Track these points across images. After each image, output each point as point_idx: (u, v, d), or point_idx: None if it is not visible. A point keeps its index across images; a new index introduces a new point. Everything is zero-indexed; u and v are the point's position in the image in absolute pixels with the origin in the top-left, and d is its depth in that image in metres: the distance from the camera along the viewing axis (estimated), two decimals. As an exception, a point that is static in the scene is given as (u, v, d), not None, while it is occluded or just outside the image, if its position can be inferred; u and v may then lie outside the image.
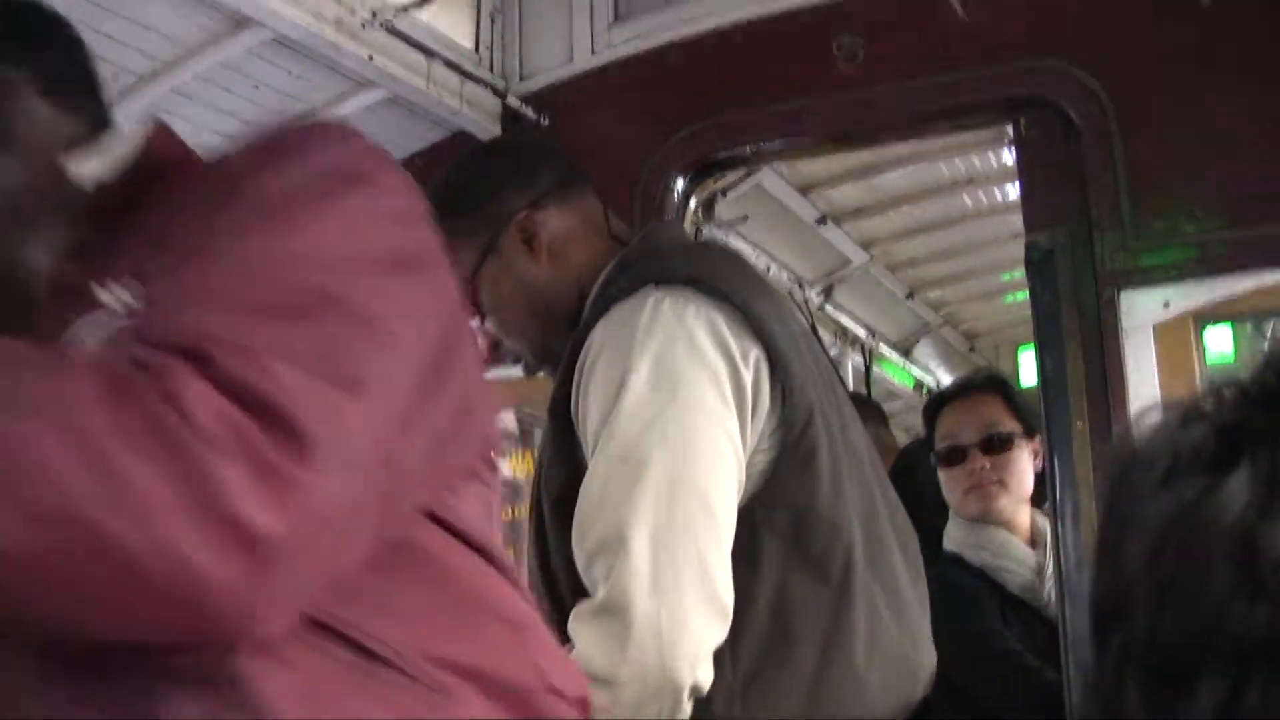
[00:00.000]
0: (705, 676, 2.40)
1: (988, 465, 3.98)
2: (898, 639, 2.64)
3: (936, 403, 4.31)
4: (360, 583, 1.41)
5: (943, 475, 4.08)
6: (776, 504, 2.55)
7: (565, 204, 2.93)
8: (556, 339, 2.84)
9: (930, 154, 6.49)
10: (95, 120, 1.86)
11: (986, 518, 3.97)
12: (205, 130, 4.51)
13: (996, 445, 4.00)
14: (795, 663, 2.51)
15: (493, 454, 1.68)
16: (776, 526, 2.54)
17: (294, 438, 1.22)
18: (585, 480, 2.52)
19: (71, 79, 1.86)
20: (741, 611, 2.47)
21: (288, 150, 1.52)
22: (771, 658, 2.51)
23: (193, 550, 1.15)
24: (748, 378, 2.53)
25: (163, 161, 1.67)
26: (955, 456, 4.03)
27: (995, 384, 4.24)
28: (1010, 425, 4.04)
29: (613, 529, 2.41)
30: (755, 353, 2.55)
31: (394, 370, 1.36)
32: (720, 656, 2.44)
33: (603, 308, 2.65)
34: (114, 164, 1.69)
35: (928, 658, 2.77)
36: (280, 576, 1.21)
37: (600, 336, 2.61)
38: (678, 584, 2.39)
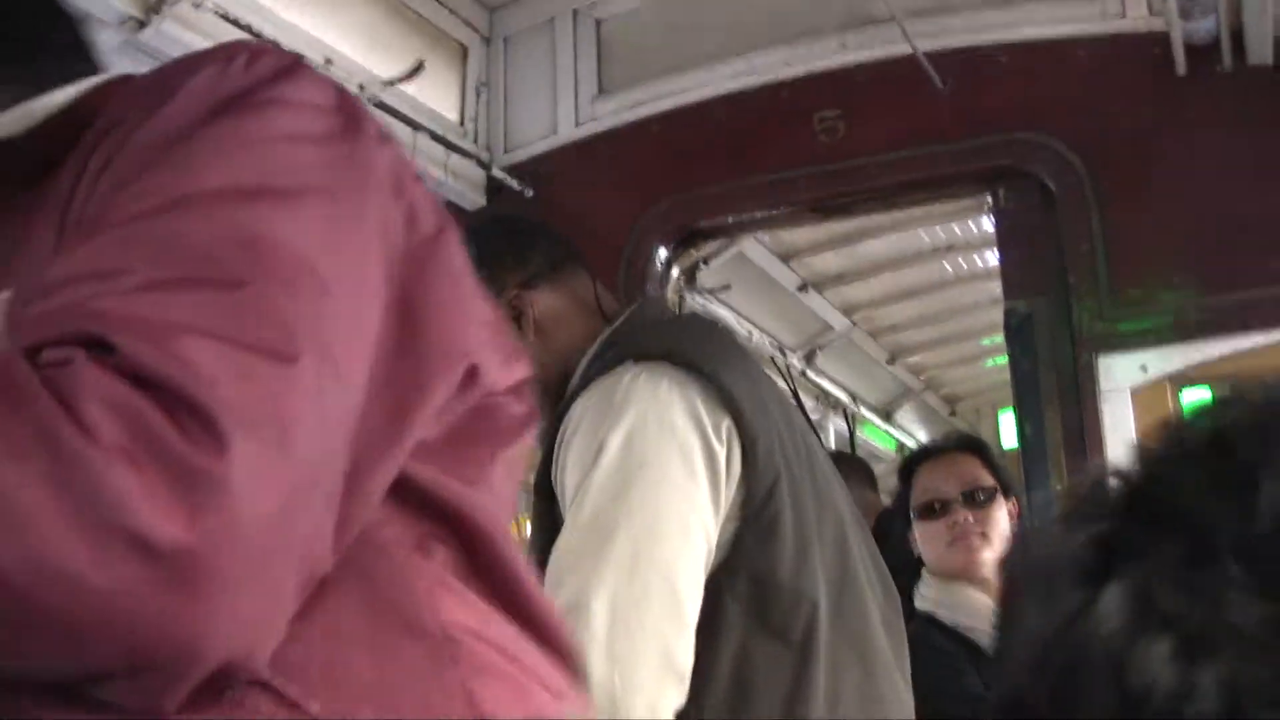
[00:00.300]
0: None
1: (971, 519, 3.99)
2: (867, 694, 2.67)
3: (914, 460, 4.32)
4: None
5: (921, 530, 4.08)
6: (739, 571, 2.58)
7: (556, 283, 2.97)
8: (542, 414, 2.87)
9: (911, 222, 6.55)
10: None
11: (969, 570, 3.96)
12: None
13: (979, 500, 4.00)
14: None
15: (510, 435, 1.43)
16: (738, 593, 2.57)
17: (207, 426, 1.01)
18: (555, 546, 2.54)
19: None
20: (704, 673, 2.50)
21: (172, 87, 1.26)
22: (733, 716, 2.54)
23: (84, 568, 0.95)
24: (720, 450, 2.56)
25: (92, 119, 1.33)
26: (937, 510, 4.04)
27: (973, 444, 4.25)
28: (990, 481, 4.06)
29: (575, 594, 2.44)
30: (726, 423, 2.58)
31: (329, 326, 1.13)
32: (683, 718, 2.47)
33: (585, 384, 2.69)
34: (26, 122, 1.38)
35: (903, 712, 2.80)
36: (206, 594, 0.99)
37: (579, 411, 2.65)
38: (632, 651, 2.40)
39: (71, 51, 1.54)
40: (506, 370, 1.41)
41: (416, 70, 4.33)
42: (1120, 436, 3.60)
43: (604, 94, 4.81)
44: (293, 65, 1.30)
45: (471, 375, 1.32)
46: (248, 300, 1.08)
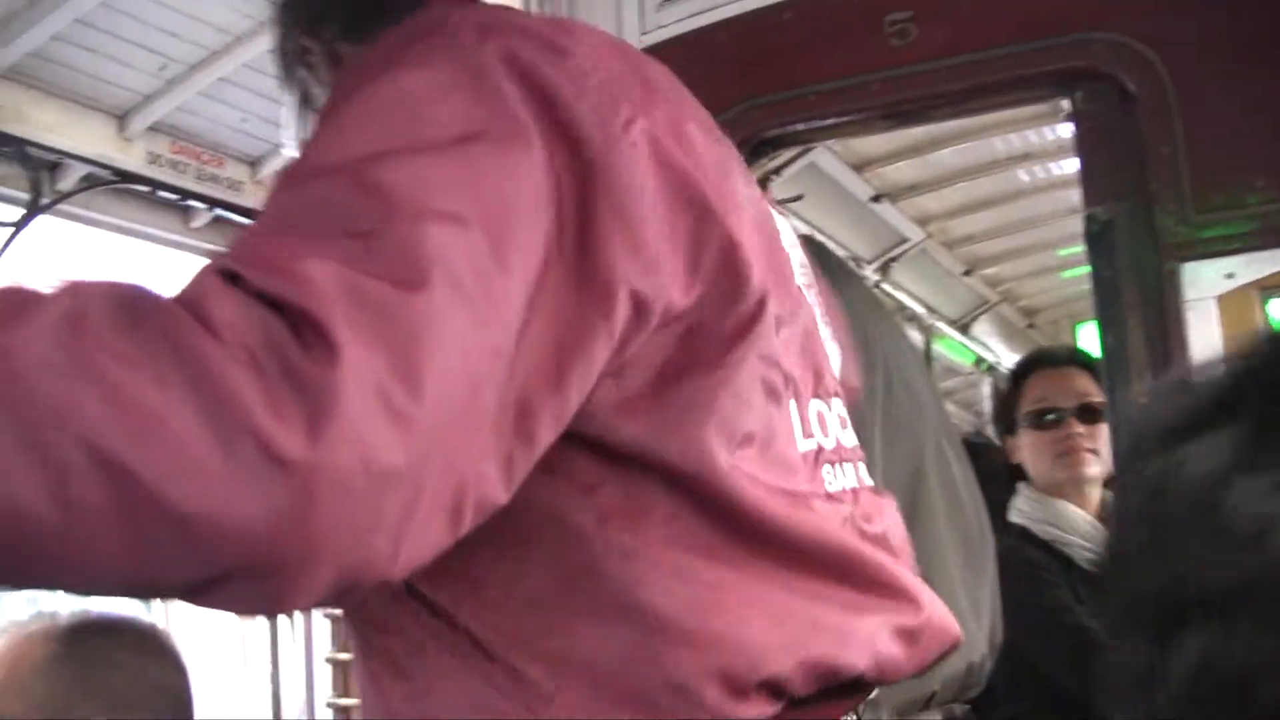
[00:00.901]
0: None
1: (1083, 431, 3.94)
2: None
3: (1026, 367, 4.25)
4: (452, 553, 1.17)
5: (1029, 439, 4.02)
6: None
7: None
8: None
9: (985, 129, 6.45)
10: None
11: (1066, 487, 3.92)
12: (253, 117, 4.53)
13: (1091, 415, 3.96)
14: None
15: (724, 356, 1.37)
16: None
17: (322, 337, 1.05)
18: None
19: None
20: None
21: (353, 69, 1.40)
22: None
23: (211, 462, 1.00)
24: None
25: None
26: (1049, 421, 3.98)
27: (1084, 359, 4.20)
28: (1101, 398, 4.00)
29: None
30: None
31: (463, 260, 1.14)
32: None
33: None
34: None
35: (966, 645, 2.75)
36: (313, 499, 1.02)
37: None
38: None
39: None
40: (689, 286, 1.34)
41: None
42: (1206, 347, 3.50)
43: (668, 1, 4.71)
44: (426, 26, 1.37)
45: (641, 305, 1.28)
46: (374, 238, 1.12)
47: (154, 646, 2.16)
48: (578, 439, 1.29)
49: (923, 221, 7.52)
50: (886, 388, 2.72)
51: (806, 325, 1.56)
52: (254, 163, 4.78)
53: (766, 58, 4.43)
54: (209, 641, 9.83)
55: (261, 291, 1.07)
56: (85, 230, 4.78)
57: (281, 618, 7.52)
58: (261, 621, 8.12)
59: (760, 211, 1.51)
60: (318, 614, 7.57)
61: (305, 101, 1.82)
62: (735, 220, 1.37)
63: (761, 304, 1.38)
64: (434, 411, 1.09)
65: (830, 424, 1.57)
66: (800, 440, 1.49)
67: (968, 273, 8.53)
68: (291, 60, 1.81)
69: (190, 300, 1.06)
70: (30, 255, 4.35)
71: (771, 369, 1.42)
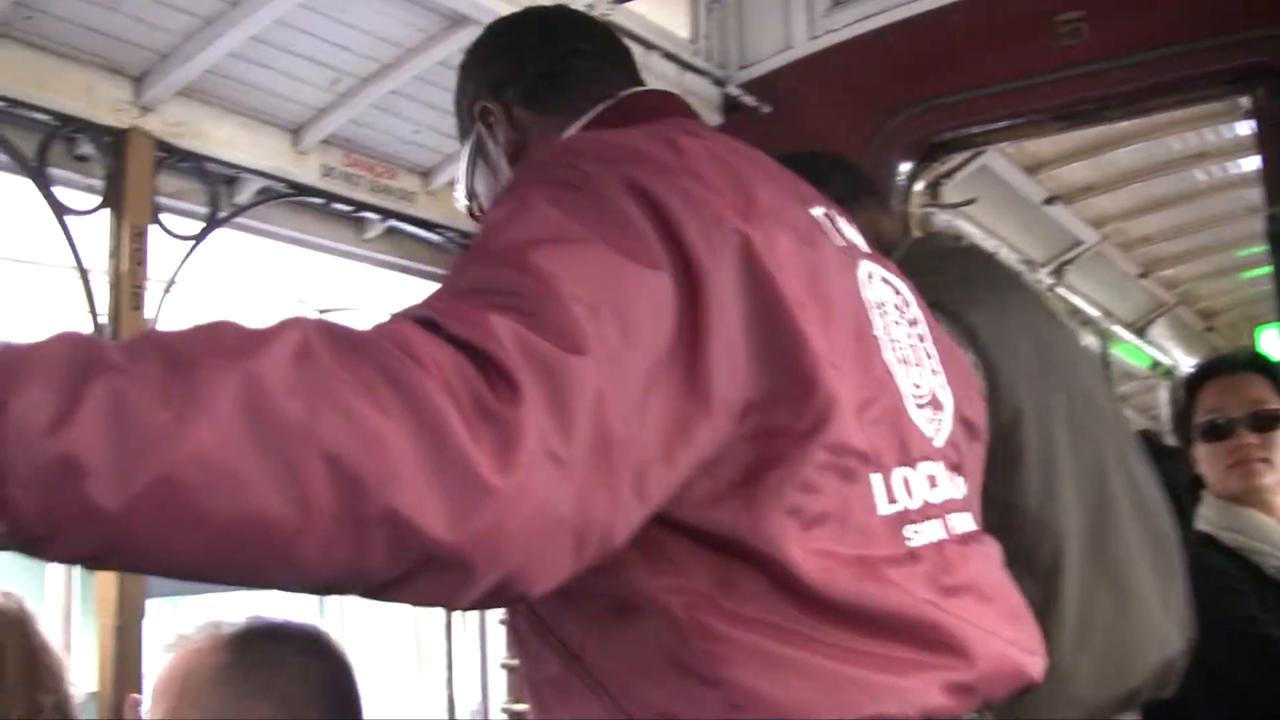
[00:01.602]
0: None
1: (1255, 441, 3.85)
2: (1119, 627, 2.60)
3: (1199, 377, 4.17)
4: (577, 605, 1.56)
5: (1203, 451, 3.95)
6: (985, 499, 2.54)
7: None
8: None
9: (1160, 128, 6.33)
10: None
11: (1247, 496, 3.84)
12: (425, 129, 4.59)
13: (1264, 423, 3.86)
14: None
15: (847, 461, 1.61)
16: (984, 521, 2.54)
17: (507, 381, 1.27)
18: None
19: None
20: None
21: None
22: None
23: (418, 473, 1.22)
24: None
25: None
26: (1220, 431, 3.90)
27: (1261, 363, 4.10)
28: (1277, 403, 3.90)
29: None
30: (970, 357, 2.55)
31: (605, 336, 1.37)
32: None
33: None
34: None
35: (1162, 641, 2.72)
36: (494, 515, 1.25)
37: None
38: None
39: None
40: (766, 392, 1.56)
41: (646, -12, 4.29)
42: (1390, 346, 3.42)
43: (838, 5, 4.70)
44: (563, 152, 1.65)
45: (730, 408, 1.50)
46: (537, 310, 1.35)
47: (319, 648, 2.24)
48: (672, 524, 1.52)
49: (1097, 223, 7.42)
50: (1066, 397, 2.70)
51: (891, 403, 1.74)
52: (426, 174, 4.83)
53: (936, 61, 4.41)
54: (385, 645, 9.98)
55: (455, 337, 1.29)
56: (261, 242, 4.88)
57: (456, 624, 7.65)
58: (438, 626, 8.23)
59: (851, 302, 1.75)
60: (492, 619, 7.68)
61: (480, 154, 2.17)
62: (815, 327, 1.60)
63: (832, 402, 1.58)
64: (579, 457, 1.31)
65: (916, 486, 1.74)
66: (882, 506, 1.66)
67: (1144, 275, 8.40)
68: (473, 117, 2.15)
69: (396, 338, 1.28)
70: (210, 266, 4.46)
71: (844, 456, 1.61)
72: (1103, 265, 7.86)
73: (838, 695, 1.55)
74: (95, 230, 3.86)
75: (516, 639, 1.75)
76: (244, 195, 4.39)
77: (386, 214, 4.83)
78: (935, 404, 1.85)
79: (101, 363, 1.17)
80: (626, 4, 4.22)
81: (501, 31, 2.22)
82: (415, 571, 1.25)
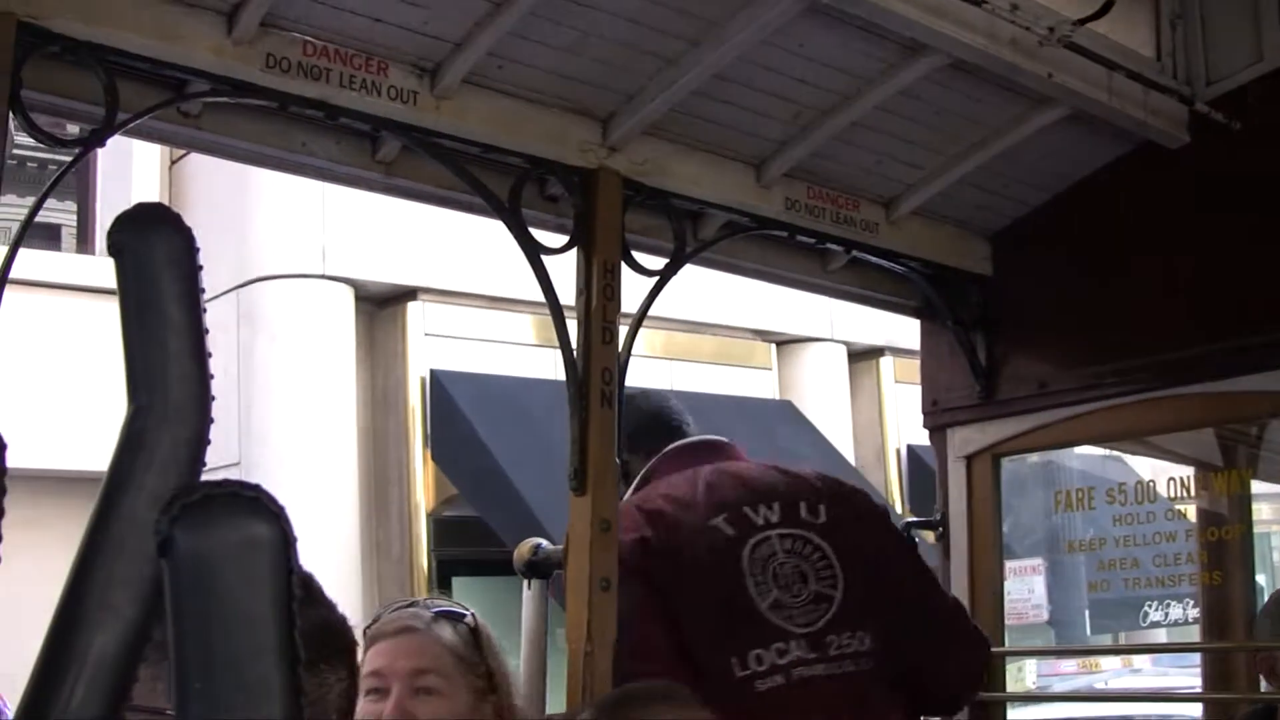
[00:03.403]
0: None
1: None
2: None
3: None
4: None
5: None
6: None
7: None
8: None
9: None
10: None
11: None
12: (887, 158, 4.59)
13: None
14: None
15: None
16: None
17: None
18: None
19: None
20: None
21: None
22: None
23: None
24: None
25: None
26: None
27: None
28: None
29: None
30: None
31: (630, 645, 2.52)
32: None
33: None
34: None
35: None
36: None
37: None
38: None
39: None
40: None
41: (1107, 7, 4.16)
42: None
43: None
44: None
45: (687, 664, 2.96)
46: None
47: (686, 703, 2.71)
48: None
49: None
50: None
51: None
52: (888, 204, 4.83)
53: None
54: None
55: None
56: (725, 277, 4.95)
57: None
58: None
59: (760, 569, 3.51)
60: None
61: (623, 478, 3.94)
62: (697, 620, 3.27)
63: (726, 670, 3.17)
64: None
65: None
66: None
67: None
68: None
69: None
70: (675, 300, 4.56)
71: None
72: None
73: None
74: (564, 268, 3.99)
75: None
76: (708, 230, 4.47)
77: (850, 244, 4.84)
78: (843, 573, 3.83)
79: None
80: (1089, 24, 4.13)
81: None
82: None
